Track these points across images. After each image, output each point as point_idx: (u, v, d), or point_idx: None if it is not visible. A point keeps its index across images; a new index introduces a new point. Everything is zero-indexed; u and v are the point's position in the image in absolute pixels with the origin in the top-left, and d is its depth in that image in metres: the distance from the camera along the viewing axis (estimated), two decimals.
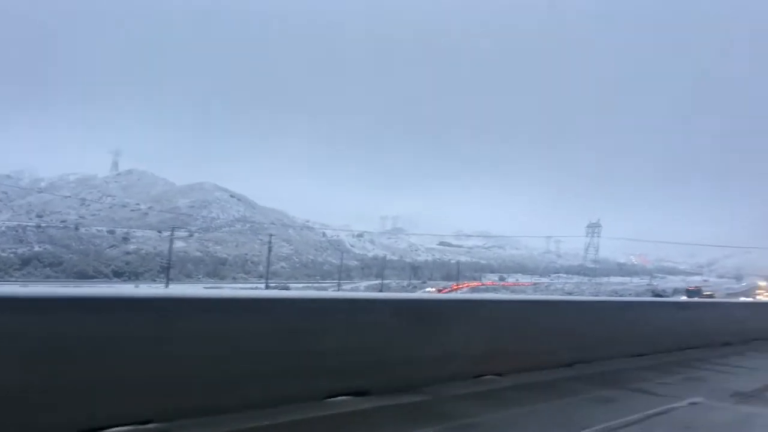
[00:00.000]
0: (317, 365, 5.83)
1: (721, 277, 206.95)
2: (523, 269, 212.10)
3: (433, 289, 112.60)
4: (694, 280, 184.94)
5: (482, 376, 7.47)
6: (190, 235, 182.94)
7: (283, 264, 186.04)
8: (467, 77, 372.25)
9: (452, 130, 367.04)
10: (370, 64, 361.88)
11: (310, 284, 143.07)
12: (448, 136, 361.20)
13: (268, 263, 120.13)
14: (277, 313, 5.77)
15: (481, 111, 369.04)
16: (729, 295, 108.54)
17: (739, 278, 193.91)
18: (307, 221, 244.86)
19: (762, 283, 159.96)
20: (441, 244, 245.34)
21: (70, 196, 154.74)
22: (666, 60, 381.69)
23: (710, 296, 70.47)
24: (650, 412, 6.44)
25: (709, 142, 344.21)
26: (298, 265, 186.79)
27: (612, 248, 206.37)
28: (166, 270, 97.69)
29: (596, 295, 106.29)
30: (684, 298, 46.83)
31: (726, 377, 9.20)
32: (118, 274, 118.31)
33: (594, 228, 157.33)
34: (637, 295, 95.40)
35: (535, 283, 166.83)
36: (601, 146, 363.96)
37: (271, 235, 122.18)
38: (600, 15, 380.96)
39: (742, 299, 29.55)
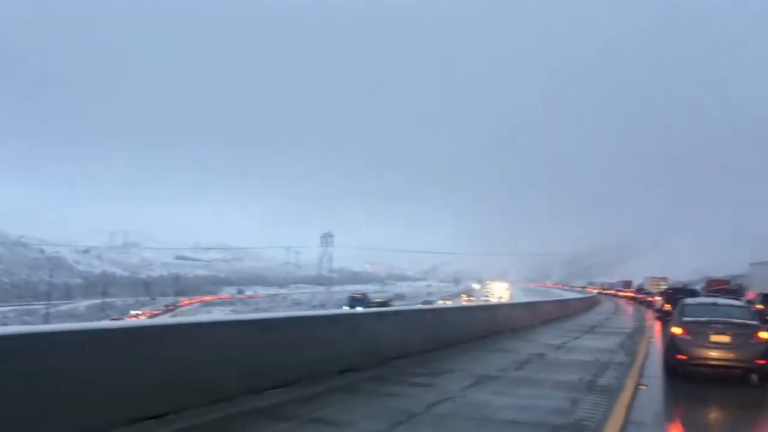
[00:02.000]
0: None
1: (442, 281, 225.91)
2: (263, 281, 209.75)
3: (140, 312, 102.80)
4: (420, 285, 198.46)
5: None
6: None
7: None
8: (201, 83, 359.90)
9: (190, 141, 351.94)
10: (91, 66, 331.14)
11: (17, 306, 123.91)
12: (187, 147, 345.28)
13: None
14: None
15: (216, 120, 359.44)
16: (448, 297, 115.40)
17: (457, 282, 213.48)
18: (22, 236, 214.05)
19: (476, 286, 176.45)
20: (178, 258, 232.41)
21: None
22: (384, 75, 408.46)
23: (383, 304, 65.73)
24: None
25: (431, 154, 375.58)
26: (8, 285, 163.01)
27: (349, 258, 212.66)
28: None
29: (323, 305, 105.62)
30: (346, 308, 42.39)
31: None
32: None
33: (328, 238, 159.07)
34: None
35: (269, 295, 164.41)
36: (335, 160, 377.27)
37: None
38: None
39: (410, 307, 27.44)
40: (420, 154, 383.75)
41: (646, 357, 14.55)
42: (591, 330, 23.69)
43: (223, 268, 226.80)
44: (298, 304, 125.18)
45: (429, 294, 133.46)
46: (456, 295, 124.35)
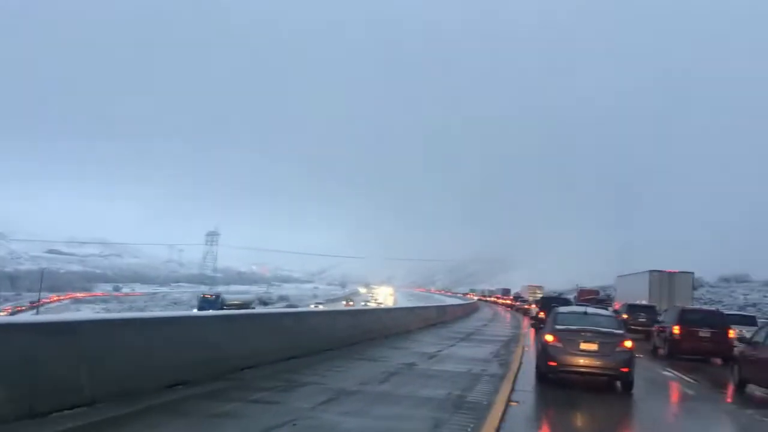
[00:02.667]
0: None
1: (329, 284, 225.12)
2: (143, 278, 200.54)
3: None
4: (306, 288, 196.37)
5: None
6: None
7: None
8: (80, 71, 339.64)
9: (68, 131, 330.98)
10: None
11: None
12: (64, 137, 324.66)
13: None
14: None
15: (97, 111, 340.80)
16: (332, 301, 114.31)
17: (343, 285, 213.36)
18: None
19: (362, 289, 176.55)
20: (50, 251, 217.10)
21: None
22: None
23: (242, 306, 58.78)
24: None
25: (322, 157, 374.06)
26: None
27: (234, 257, 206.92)
28: None
29: (204, 306, 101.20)
30: (195, 311, 38.15)
31: None
32: None
33: (213, 236, 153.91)
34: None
35: (147, 293, 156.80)
36: (224, 159, 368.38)
37: None
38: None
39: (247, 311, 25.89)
40: (311, 156, 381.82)
41: (519, 367, 14.11)
42: (467, 337, 23.36)
43: (100, 264, 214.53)
44: (176, 303, 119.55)
45: (314, 296, 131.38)
46: (341, 299, 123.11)
